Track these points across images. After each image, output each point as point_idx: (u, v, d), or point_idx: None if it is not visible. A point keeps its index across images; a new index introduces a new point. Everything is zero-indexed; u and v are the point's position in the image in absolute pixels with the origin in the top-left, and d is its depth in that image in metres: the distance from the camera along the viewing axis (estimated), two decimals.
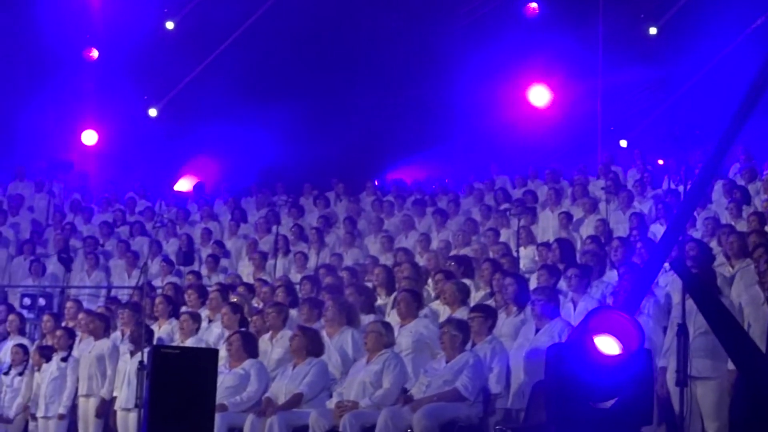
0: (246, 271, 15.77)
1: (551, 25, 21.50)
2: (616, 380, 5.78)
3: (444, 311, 11.09)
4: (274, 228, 17.24)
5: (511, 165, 19.91)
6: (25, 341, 12.85)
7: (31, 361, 12.34)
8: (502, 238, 14.93)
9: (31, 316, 14.27)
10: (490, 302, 11.11)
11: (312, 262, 15.63)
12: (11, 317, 13.41)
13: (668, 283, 10.38)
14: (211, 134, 21.60)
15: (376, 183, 20.46)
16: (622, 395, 5.81)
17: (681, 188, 14.80)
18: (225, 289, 13.14)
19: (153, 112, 23.42)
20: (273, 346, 11.10)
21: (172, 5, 22.92)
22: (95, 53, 23.56)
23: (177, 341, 11.71)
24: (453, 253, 14.24)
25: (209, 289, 13.53)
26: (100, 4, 22.90)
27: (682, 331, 8.33)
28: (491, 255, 13.41)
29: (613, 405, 5.83)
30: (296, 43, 22.17)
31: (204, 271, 15.79)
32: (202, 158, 22.02)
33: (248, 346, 10.70)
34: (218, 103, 21.83)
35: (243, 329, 11.28)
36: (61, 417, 11.89)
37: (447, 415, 9.28)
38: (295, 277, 14.59)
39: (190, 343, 11.37)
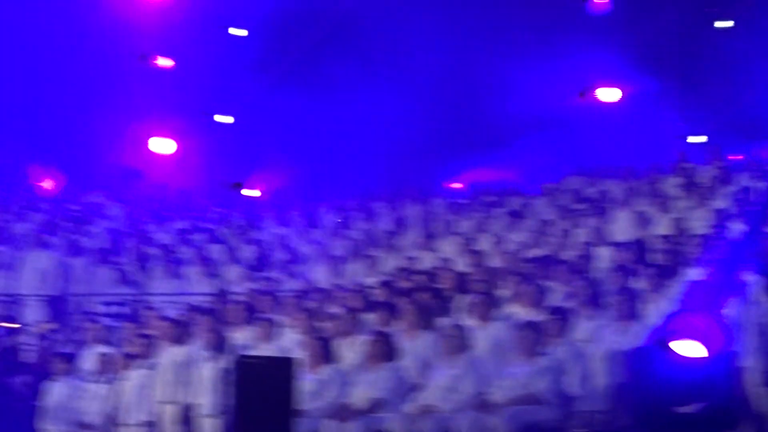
0: (320, 276, 15.88)
1: (619, 21, 21.33)
2: (700, 383, 5.73)
3: (520, 313, 11.06)
4: (346, 232, 17.30)
5: (583, 164, 19.77)
6: (107, 349, 13.06)
7: (114, 368, 12.54)
8: (575, 239, 14.86)
9: (113, 323, 14.49)
10: (567, 304, 11.07)
11: (386, 266, 15.68)
12: (93, 325, 13.66)
13: (751, 281, 10.24)
14: (284, 140, 21.77)
15: (449, 185, 20.45)
16: (706, 399, 5.76)
17: (760, 184, 14.60)
18: (300, 295, 13.22)
19: (225, 119, 23.64)
20: (349, 351, 11.16)
21: (245, 12, 23.11)
22: (166, 62, 23.86)
23: (254, 347, 11.82)
24: (527, 254, 14.20)
25: (284, 294, 13.64)
26: (172, 12, 23.18)
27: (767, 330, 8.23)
28: (566, 256, 13.36)
29: (697, 408, 5.79)
30: (367, 51, 22.28)
31: (278, 277, 15.92)
32: (276, 164, 22.20)
33: (325, 352, 10.77)
34: (291, 109, 21.99)
35: (319, 335, 11.35)
36: (144, 424, 12.05)
37: (526, 418, 9.27)
38: (369, 281, 14.65)
39: (266, 349, 11.48)
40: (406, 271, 14.11)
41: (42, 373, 13.15)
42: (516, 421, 9.19)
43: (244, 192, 22.04)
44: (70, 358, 13.06)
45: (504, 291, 12.23)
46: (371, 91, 21.94)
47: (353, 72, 22.03)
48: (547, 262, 12.84)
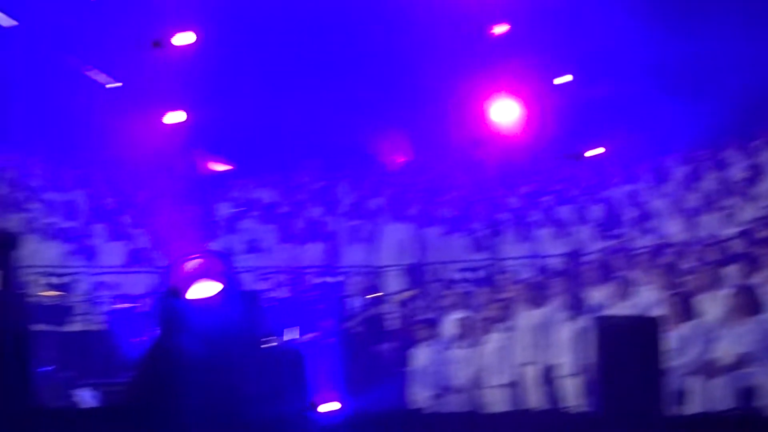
0: (673, 230, 15.51)
1: None
2: None
3: None
4: (698, 184, 16.79)
5: None
6: (466, 314, 13.39)
7: (474, 332, 12.84)
8: None
9: (469, 289, 14.84)
10: None
11: (743, 216, 15.08)
12: (451, 291, 14.06)
13: None
14: (624, 99, 21.30)
15: None
16: None
17: None
18: (654, 251, 12.97)
19: (564, 79, 23.46)
20: (710, 307, 10.85)
21: None
22: (502, 28, 23.91)
23: (610, 306, 11.74)
24: None
25: (638, 252, 13.45)
26: None
27: None
28: None
29: None
30: None
31: (630, 234, 15.70)
32: (618, 123, 21.80)
33: (685, 308, 10.53)
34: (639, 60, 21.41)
35: (678, 291, 11.10)
36: (507, 385, 12.29)
37: None
38: (726, 232, 14.15)
39: (623, 307, 11.38)
40: (766, 220, 13.51)
41: (406, 339, 13.67)
42: None
43: (589, 153, 21.81)
44: (431, 324, 13.49)
45: None
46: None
47: None
48: None
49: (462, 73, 21.86)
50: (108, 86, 20.89)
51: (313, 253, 17.10)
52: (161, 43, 18.84)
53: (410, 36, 21.29)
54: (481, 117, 22.66)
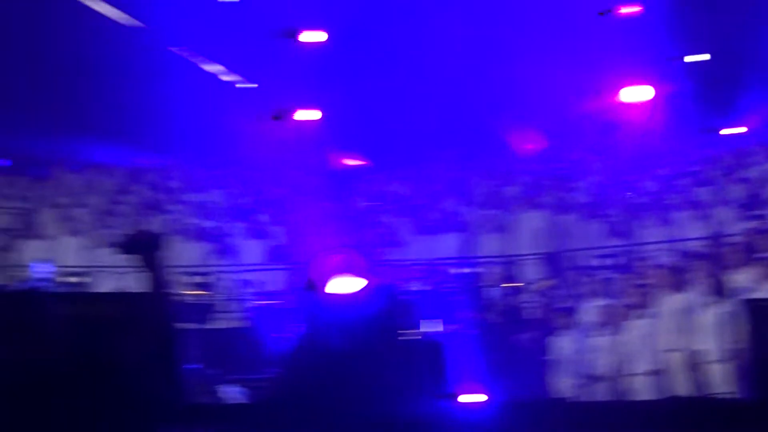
0: None
1: None
2: None
3: None
4: None
5: None
6: (606, 301, 13.23)
7: (615, 319, 12.69)
8: None
9: (609, 275, 14.66)
10: None
11: None
12: (590, 279, 13.91)
13: None
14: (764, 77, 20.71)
15: None
16: None
17: None
18: None
19: (698, 58, 22.96)
20: None
21: None
22: (632, 9, 23.50)
23: (756, 289, 11.45)
24: None
25: None
26: None
27: None
28: None
29: None
30: None
31: None
32: (758, 101, 21.22)
33: None
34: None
35: None
36: (651, 373, 12.10)
37: None
38: None
39: None
40: None
41: (546, 328, 13.59)
42: None
43: (727, 131, 21.31)
44: (571, 313, 13.38)
45: None
46: None
47: None
48: None
49: (593, 56, 21.58)
50: (240, 86, 21.29)
51: (448, 244, 17.10)
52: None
53: (540, 22, 21.12)
54: (615, 100, 22.36)
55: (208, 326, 14.31)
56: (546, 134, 21.41)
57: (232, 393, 12.35)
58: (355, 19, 20.14)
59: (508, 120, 20.72)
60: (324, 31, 20.25)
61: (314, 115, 20.92)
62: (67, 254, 16.92)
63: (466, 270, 16.20)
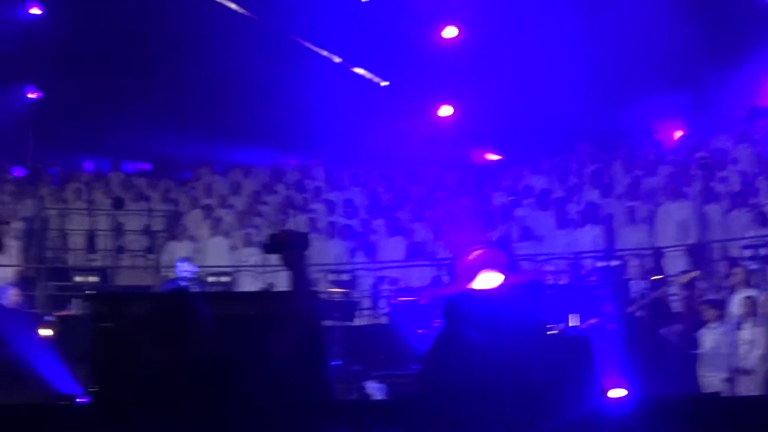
0: None
1: None
2: None
3: None
4: None
5: None
6: (756, 293, 12.88)
7: (764, 311, 12.34)
8: None
9: (756, 266, 14.27)
10: None
11: None
12: (737, 270, 13.55)
13: None
14: None
15: None
16: None
17: None
18: None
19: None
20: None
21: None
22: None
23: None
24: None
25: None
26: None
27: None
28: None
29: None
30: None
31: None
32: None
33: None
34: None
35: None
36: None
37: None
38: None
39: None
40: None
41: (693, 321, 13.30)
42: None
43: None
44: (718, 305, 13.06)
45: None
46: None
47: None
48: None
49: (735, 41, 21.04)
50: (379, 84, 21.45)
51: (590, 237, 16.89)
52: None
53: (677, 5, 20.69)
54: (760, 86, 21.74)
55: (350, 323, 14.45)
56: (688, 122, 20.98)
57: (375, 389, 12.44)
58: (491, 14, 20.08)
59: (651, 108, 20.34)
60: (460, 27, 20.24)
61: (452, 111, 20.94)
62: (213, 254, 17.31)
63: (609, 263, 15.97)
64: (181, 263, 14.26)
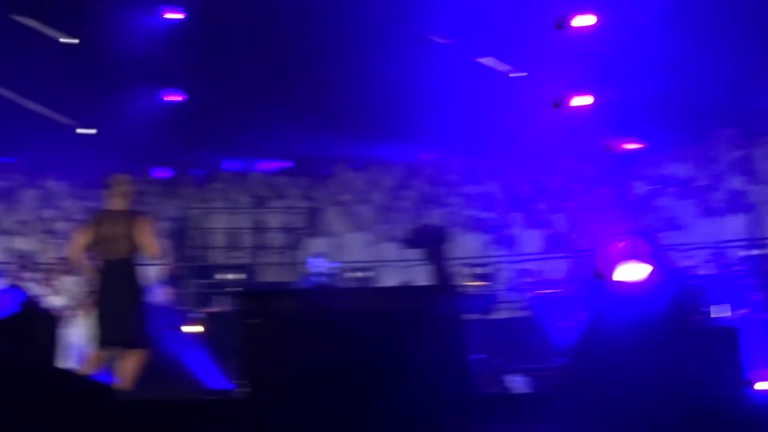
0: None
1: None
2: None
3: None
4: None
5: None
6: None
7: None
8: None
9: None
10: None
11: None
12: None
13: None
14: None
15: None
16: None
17: None
18: None
19: None
20: None
21: None
22: None
23: None
24: None
25: None
26: None
27: None
28: None
29: None
30: None
31: None
32: None
33: None
34: None
35: None
36: None
37: None
38: None
39: None
40: None
41: None
42: None
43: None
44: None
45: None
46: None
47: None
48: None
49: None
50: (513, 75, 21.31)
51: (735, 225, 16.47)
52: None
53: None
54: None
55: (490, 317, 14.41)
56: None
57: (517, 383, 12.38)
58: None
59: None
60: (594, 14, 19.96)
61: (588, 100, 20.68)
62: (351, 250, 17.47)
63: (755, 252, 15.56)
64: (314, 259, 14.45)
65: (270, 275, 17.86)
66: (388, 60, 19.81)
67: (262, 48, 20.27)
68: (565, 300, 14.18)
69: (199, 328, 13.26)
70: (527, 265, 16.54)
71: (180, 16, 21.60)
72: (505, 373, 12.61)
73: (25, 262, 16.04)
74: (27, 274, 15.48)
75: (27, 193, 19.27)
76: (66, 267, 15.63)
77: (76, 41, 20.67)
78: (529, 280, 16.16)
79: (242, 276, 16.38)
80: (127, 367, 8.66)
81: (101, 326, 8.75)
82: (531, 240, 17.34)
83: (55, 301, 14.38)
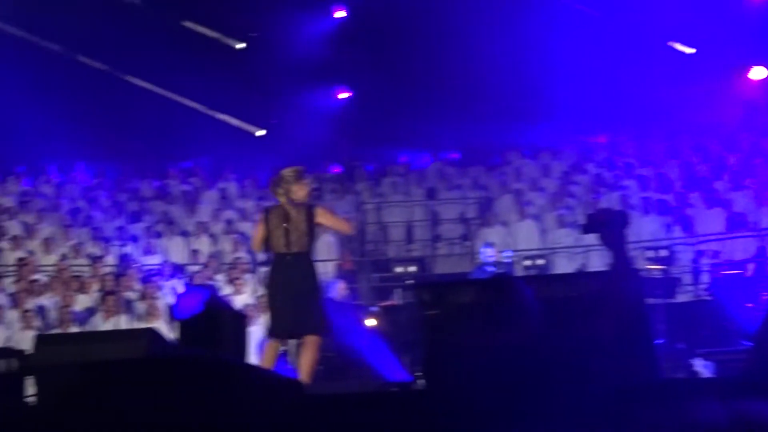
0: None
1: None
2: None
3: None
4: None
5: None
6: None
7: None
8: None
9: None
10: None
11: None
12: None
13: None
14: None
15: None
16: None
17: None
18: None
19: None
20: None
21: None
22: None
23: None
24: None
25: None
26: None
27: None
28: None
29: None
30: None
31: None
32: None
33: None
34: None
35: None
36: None
37: None
38: None
39: None
40: None
41: None
42: None
43: None
44: None
45: None
46: None
47: None
48: None
49: None
50: (685, 52, 20.80)
51: None
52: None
53: None
54: None
55: (672, 300, 14.07)
56: None
57: (703, 367, 12.07)
58: None
59: None
60: None
61: (765, 72, 20.02)
62: (524, 238, 17.34)
63: None
64: (486, 248, 14.40)
65: (445, 267, 17.90)
66: (560, 43, 19.62)
67: (425, 40, 20.35)
68: (749, 281, 13.74)
69: (374, 322, 13.40)
70: (708, 246, 16.08)
71: (343, 14, 21.90)
72: (690, 358, 12.32)
73: (209, 262, 16.50)
74: (211, 274, 15.92)
75: (207, 195, 19.82)
76: (248, 266, 16.04)
77: (244, 45, 21.22)
78: (710, 261, 15.72)
79: (415, 269, 16.45)
80: (305, 362, 8.68)
81: (279, 318, 8.77)
82: (711, 220, 16.84)
83: (239, 300, 14.76)
